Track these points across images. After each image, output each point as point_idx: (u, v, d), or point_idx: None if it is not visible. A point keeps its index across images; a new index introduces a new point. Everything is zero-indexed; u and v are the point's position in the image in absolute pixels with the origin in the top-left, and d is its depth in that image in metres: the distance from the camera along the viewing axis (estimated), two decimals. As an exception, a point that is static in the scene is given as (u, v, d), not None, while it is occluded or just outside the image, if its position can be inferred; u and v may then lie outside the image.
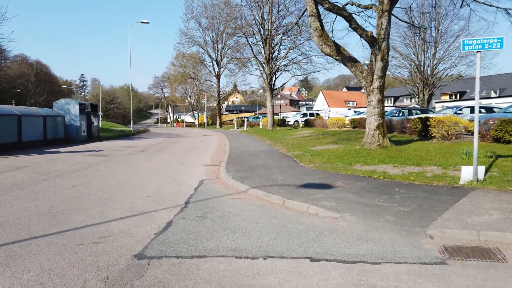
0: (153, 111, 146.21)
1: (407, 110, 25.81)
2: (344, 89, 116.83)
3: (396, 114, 24.75)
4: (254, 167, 10.08)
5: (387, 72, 41.69)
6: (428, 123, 15.13)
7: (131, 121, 33.56)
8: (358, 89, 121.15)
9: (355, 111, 38.12)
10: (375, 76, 11.71)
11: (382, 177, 8.02)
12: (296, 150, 14.37)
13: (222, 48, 54.05)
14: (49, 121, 18.89)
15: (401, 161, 9.75)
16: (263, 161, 11.33)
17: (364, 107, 57.25)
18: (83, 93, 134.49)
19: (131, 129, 33.03)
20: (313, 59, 33.89)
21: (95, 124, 23.99)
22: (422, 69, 39.18)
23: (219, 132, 37.40)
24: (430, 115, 19.12)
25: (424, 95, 40.15)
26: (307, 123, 35.74)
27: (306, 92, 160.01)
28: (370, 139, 11.81)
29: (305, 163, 10.67)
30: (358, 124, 25.37)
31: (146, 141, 23.83)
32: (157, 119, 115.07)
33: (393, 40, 37.86)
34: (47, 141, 18.67)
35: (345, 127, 27.86)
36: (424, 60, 39.05)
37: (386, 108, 34.40)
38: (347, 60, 12.16)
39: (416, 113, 24.55)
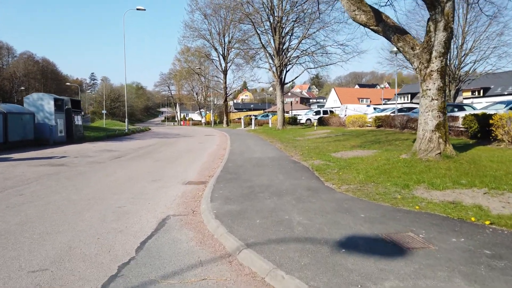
0: (163, 109, 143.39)
1: (441, 106, 21.90)
2: (356, 87, 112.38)
3: (429, 111, 20.88)
4: (256, 191, 6.50)
5: (408, 66, 37.74)
6: (491, 121, 11.37)
7: (126, 119, 30.17)
8: (371, 86, 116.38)
9: (375, 108, 34.25)
10: (434, 54, 8.02)
11: (486, 222, 4.36)
12: (315, 157, 10.75)
13: (229, 42, 50.53)
14: (12, 120, 15.58)
15: (490, 183, 6.05)
16: (270, 178, 7.75)
17: (384, 104, 53.07)
18: (92, 92, 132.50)
19: (126, 128, 29.65)
20: (329, 49, 30.07)
21: (78, 122, 20.70)
22: (448, 62, 35.12)
23: (224, 131, 33.90)
24: (492, 113, 15.28)
25: (450, 91, 36.12)
26: (321, 122, 31.98)
27: (317, 89, 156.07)
28: (426, 145, 8.11)
29: (334, 182, 7.06)
30: (384, 122, 21.56)
31: (135, 143, 20.45)
32: (165, 118, 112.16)
33: (415, 29, 34.01)
34: (8, 143, 15.36)
35: (367, 126, 24.10)
36: (450, 51, 34.96)
37: (402, 106, 29.65)
38: (392, 31, 8.48)
39: (452, 110, 20.65)
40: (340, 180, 7.15)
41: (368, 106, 34.97)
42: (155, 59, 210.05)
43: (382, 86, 65.90)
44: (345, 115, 31.25)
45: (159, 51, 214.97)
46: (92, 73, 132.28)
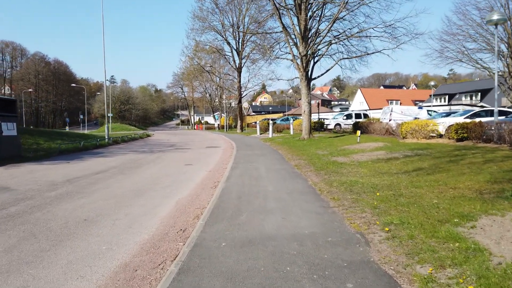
0: (180, 112, 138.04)
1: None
2: (381, 88, 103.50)
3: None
4: None
5: (464, 59, 29.14)
6: None
7: (107, 126, 23.35)
8: (398, 87, 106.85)
9: (429, 111, 26.32)
10: None
11: None
12: (453, 262, 3.35)
13: (244, 34, 43.25)
14: None
15: None
16: None
17: (431, 106, 43.86)
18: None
19: (106, 137, 22.70)
20: (371, 33, 22.29)
21: (10, 133, 13.89)
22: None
23: (234, 140, 26.50)
24: None
25: (513, 92, 27.59)
26: (357, 129, 23.95)
27: (338, 92, 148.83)
28: None
29: None
30: (471, 133, 13.79)
31: (86, 165, 13.41)
32: (181, 121, 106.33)
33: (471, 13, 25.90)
34: None
35: (434, 136, 16.38)
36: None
37: (478, 109, 19.53)
38: None
39: None
40: None
41: (419, 108, 27.02)
42: (173, 59, 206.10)
43: (432, 84, 56.82)
44: (390, 120, 23.53)
45: (177, 50, 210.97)
46: (112, 76, 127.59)
